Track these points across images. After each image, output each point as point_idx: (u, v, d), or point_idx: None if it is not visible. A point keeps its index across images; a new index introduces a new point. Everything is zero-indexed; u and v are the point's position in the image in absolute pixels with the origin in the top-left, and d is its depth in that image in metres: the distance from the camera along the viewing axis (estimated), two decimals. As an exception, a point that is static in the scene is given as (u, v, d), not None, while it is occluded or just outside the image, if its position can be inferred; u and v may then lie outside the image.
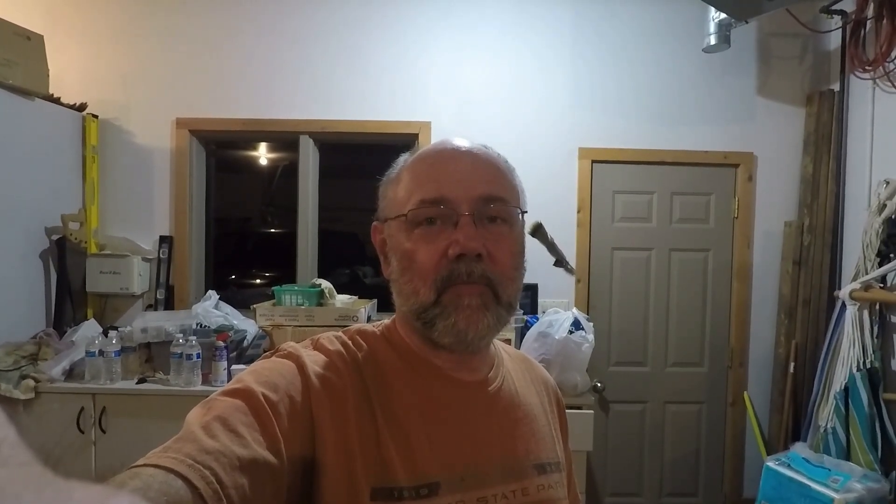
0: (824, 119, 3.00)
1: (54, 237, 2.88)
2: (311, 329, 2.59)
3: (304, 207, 3.22)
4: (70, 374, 2.57)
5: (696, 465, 3.19)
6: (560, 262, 3.10)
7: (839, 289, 2.70)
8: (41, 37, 2.77)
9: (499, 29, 3.11)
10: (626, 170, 3.14)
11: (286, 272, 3.28)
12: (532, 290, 3.04)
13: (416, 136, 3.10)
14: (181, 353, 2.49)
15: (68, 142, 2.97)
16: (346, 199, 3.56)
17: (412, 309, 0.67)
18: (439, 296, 0.65)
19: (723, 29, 2.83)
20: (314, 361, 0.64)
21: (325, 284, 2.78)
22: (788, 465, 2.39)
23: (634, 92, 3.13)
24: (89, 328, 2.81)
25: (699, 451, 3.19)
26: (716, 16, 2.82)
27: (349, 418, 0.62)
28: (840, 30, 2.87)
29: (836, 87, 2.96)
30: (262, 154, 3.62)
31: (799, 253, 3.01)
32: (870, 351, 2.44)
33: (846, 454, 2.40)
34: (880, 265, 2.48)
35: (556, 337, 2.53)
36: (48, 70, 2.79)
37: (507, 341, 2.46)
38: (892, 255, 2.45)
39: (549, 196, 3.05)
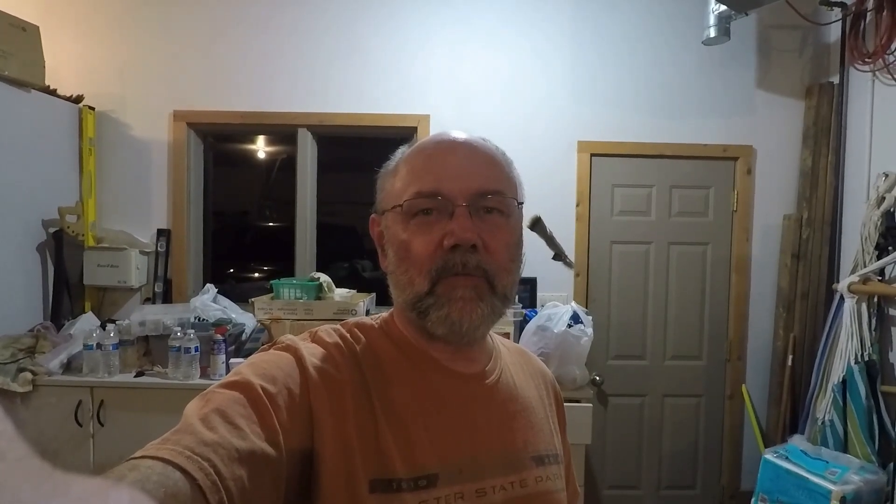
0: (824, 112, 2.99)
1: (51, 230, 2.88)
2: (310, 323, 2.59)
3: (303, 201, 3.21)
4: (68, 367, 2.57)
5: (694, 457, 3.21)
6: (559, 255, 3.10)
7: (837, 282, 2.71)
8: (37, 28, 2.75)
9: (497, 22, 3.10)
10: (625, 163, 3.13)
11: (284, 266, 3.27)
12: (531, 283, 3.04)
13: (414, 129, 3.09)
14: (179, 347, 2.49)
15: (65, 134, 2.95)
16: (344, 193, 3.56)
17: (407, 299, 0.67)
18: (433, 286, 0.65)
19: (722, 21, 2.82)
20: (312, 354, 0.64)
21: (324, 278, 2.77)
22: (786, 458, 2.40)
23: (633, 85, 3.12)
24: (87, 321, 2.81)
25: (697, 443, 3.20)
26: (715, 8, 2.80)
27: (347, 410, 0.62)
28: (840, 22, 2.86)
29: (836, 79, 2.96)
30: (260, 147, 3.61)
31: (798, 246, 3.01)
32: (868, 344, 2.44)
33: (844, 446, 2.41)
34: (879, 258, 2.48)
35: (555, 330, 2.53)
36: (44, 61, 2.77)
37: (506, 335, 2.46)
38: (890, 248, 2.45)
39: (548, 189, 3.05)
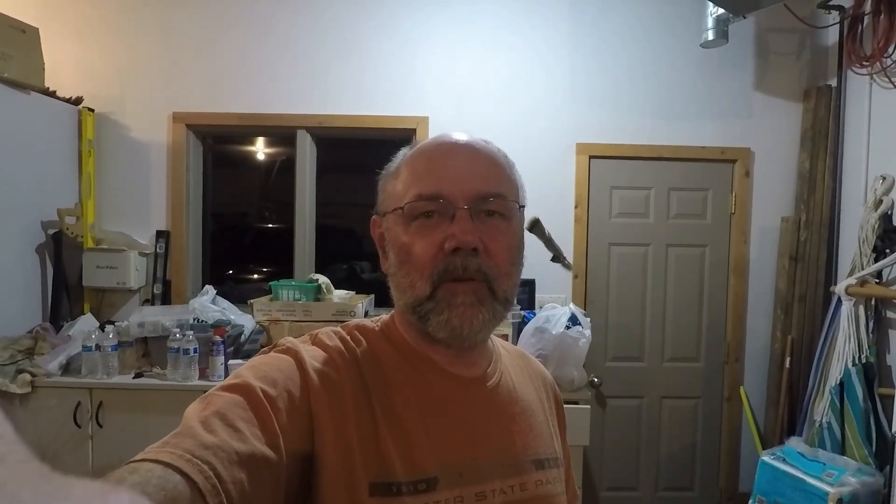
0: (821, 115, 3.00)
1: (50, 231, 2.88)
2: (309, 324, 2.59)
3: (302, 202, 3.22)
4: (67, 368, 2.57)
5: (692, 459, 3.21)
6: (557, 257, 3.11)
7: (835, 284, 2.71)
8: (36, 30, 2.75)
9: (496, 23, 3.10)
10: (623, 165, 3.14)
11: (283, 267, 3.27)
12: (529, 285, 3.04)
13: (413, 130, 3.09)
14: (178, 348, 2.49)
15: (64, 136, 2.95)
16: (343, 194, 3.56)
17: (408, 302, 0.67)
18: (434, 290, 0.65)
19: (720, 24, 2.83)
20: (312, 357, 0.64)
21: (323, 279, 2.77)
22: (783, 460, 2.40)
23: (632, 87, 3.13)
24: (86, 323, 2.81)
25: (695, 445, 3.21)
26: (713, 11, 2.81)
27: (347, 413, 0.62)
28: (837, 25, 2.87)
29: (834, 82, 2.97)
30: (260, 149, 3.61)
31: (795, 248, 3.02)
32: (865, 346, 2.45)
33: (841, 448, 2.41)
34: (876, 261, 2.49)
35: (554, 332, 2.53)
36: (44, 63, 2.77)
37: (505, 337, 2.46)
38: (887, 251, 2.46)
39: (547, 191, 3.05)
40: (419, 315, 0.66)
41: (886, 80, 2.57)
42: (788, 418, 2.94)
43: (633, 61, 3.12)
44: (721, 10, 2.77)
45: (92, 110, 3.05)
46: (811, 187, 3.01)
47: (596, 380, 2.90)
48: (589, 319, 2.71)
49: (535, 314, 2.79)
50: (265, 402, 0.56)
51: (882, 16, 2.53)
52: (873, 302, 2.51)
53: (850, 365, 2.44)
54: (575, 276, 3.13)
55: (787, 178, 3.13)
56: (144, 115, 3.11)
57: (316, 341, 0.68)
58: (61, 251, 2.88)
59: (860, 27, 2.72)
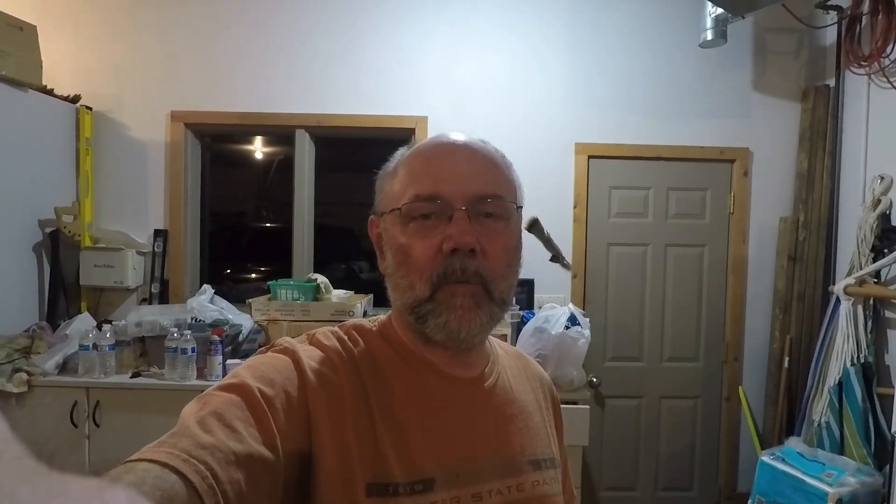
0: (819, 114, 3.00)
1: (48, 230, 2.87)
2: (307, 324, 2.59)
3: (300, 202, 3.21)
4: (63, 367, 2.57)
5: (691, 459, 3.21)
6: (556, 257, 3.11)
7: (833, 284, 2.71)
8: (34, 27, 2.74)
9: (495, 23, 3.10)
10: (622, 165, 3.14)
11: (282, 267, 3.27)
12: (528, 285, 3.04)
13: (412, 130, 3.09)
14: (176, 348, 2.48)
15: (62, 134, 2.95)
16: (342, 194, 3.55)
17: (407, 303, 0.67)
18: (434, 292, 0.65)
19: (719, 24, 2.83)
20: (310, 357, 0.64)
21: (321, 279, 2.77)
22: (783, 460, 2.40)
23: (631, 87, 3.12)
24: (83, 322, 2.80)
25: (694, 445, 3.21)
26: (712, 11, 2.81)
27: (345, 413, 0.61)
28: (836, 25, 2.87)
29: (832, 82, 2.97)
30: (258, 148, 3.60)
31: (794, 248, 3.02)
32: (863, 345, 2.45)
33: (840, 448, 2.42)
34: (874, 260, 2.49)
35: (553, 332, 2.53)
36: (41, 61, 2.76)
37: (504, 337, 2.46)
38: (885, 251, 2.46)
39: (546, 191, 3.05)
40: (417, 316, 0.66)
41: (884, 80, 2.57)
42: (787, 418, 2.94)
43: (632, 61, 3.12)
44: (720, 10, 2.77)
45: (90, 108, 3.04)
46: (810, 187, 3.01)
47: (595, 380, 2.90)
48: (588, 319, 2.71)
49: (534, 314, 2.79)
50: (262, 402, 0.56)
51: (880, 16, 2.53)
52: (872, 301, 2.52)
53: (848, 364, 2.44)
54: (574, 276, 3.12)
55: (785, 178, 3.13)
56: (142, 114, 3.11)
57: (313, 341, 0.68)
58: (58, 250, 2.87)
59: (858, 27, 2.72)
